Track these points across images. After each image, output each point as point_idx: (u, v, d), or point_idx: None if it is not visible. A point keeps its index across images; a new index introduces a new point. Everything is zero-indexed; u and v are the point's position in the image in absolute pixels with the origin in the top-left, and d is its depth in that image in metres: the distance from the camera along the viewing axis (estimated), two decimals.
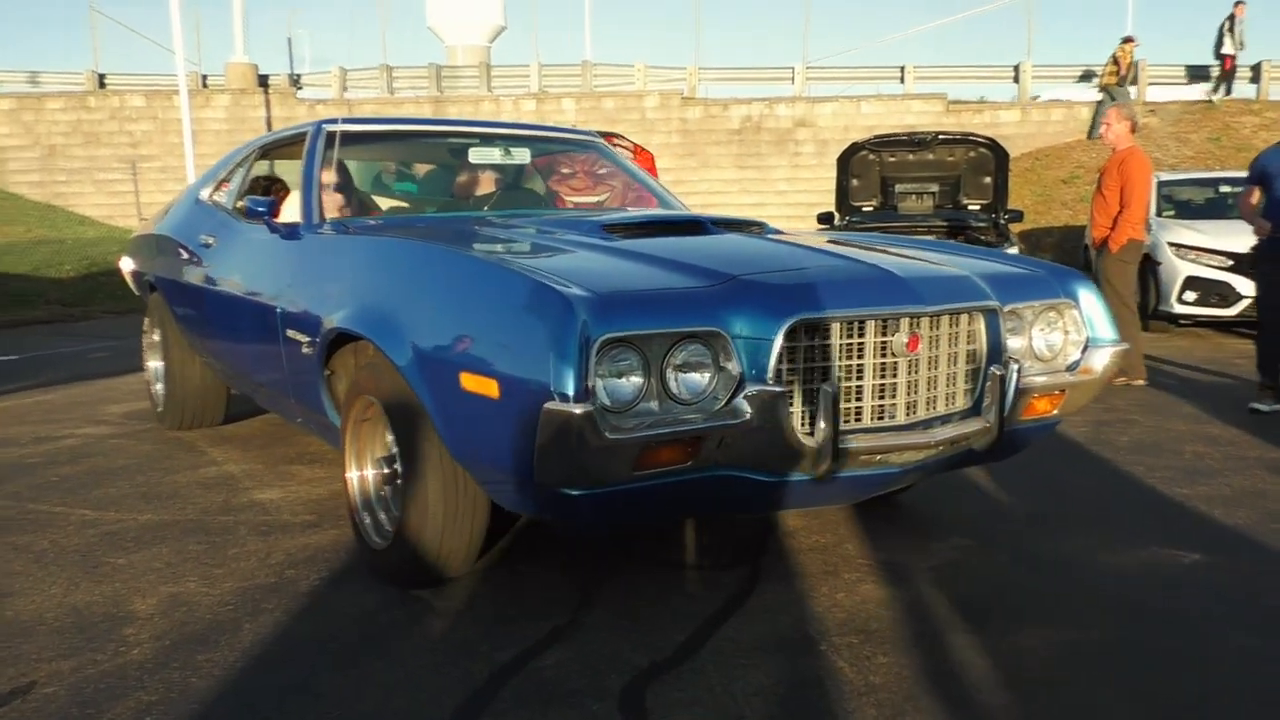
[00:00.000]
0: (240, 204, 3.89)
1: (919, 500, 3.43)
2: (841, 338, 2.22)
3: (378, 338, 2.50)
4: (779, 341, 2.11)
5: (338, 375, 2.95)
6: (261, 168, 4.38)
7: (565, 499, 2.08)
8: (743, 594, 2.60)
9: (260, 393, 3.76)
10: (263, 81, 19.67)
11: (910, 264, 2.52)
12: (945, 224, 9.70)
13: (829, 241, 2.95)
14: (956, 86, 19.72)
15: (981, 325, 2.46)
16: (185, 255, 4.32)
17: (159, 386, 4.80)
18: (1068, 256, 14.29)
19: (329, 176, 3.51)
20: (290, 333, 3.07)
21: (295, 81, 20.27)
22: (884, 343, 2.26)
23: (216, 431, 4.66)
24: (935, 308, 2.31)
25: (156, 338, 4.78)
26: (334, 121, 3.61)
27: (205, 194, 4.51)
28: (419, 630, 2.35)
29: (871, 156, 9.75)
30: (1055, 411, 2.68)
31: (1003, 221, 9.40)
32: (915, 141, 9.49)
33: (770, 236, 2.99)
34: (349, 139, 3.61)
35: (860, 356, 2.24)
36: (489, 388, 2.11)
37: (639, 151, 9.58)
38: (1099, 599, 2.58)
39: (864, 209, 10.21)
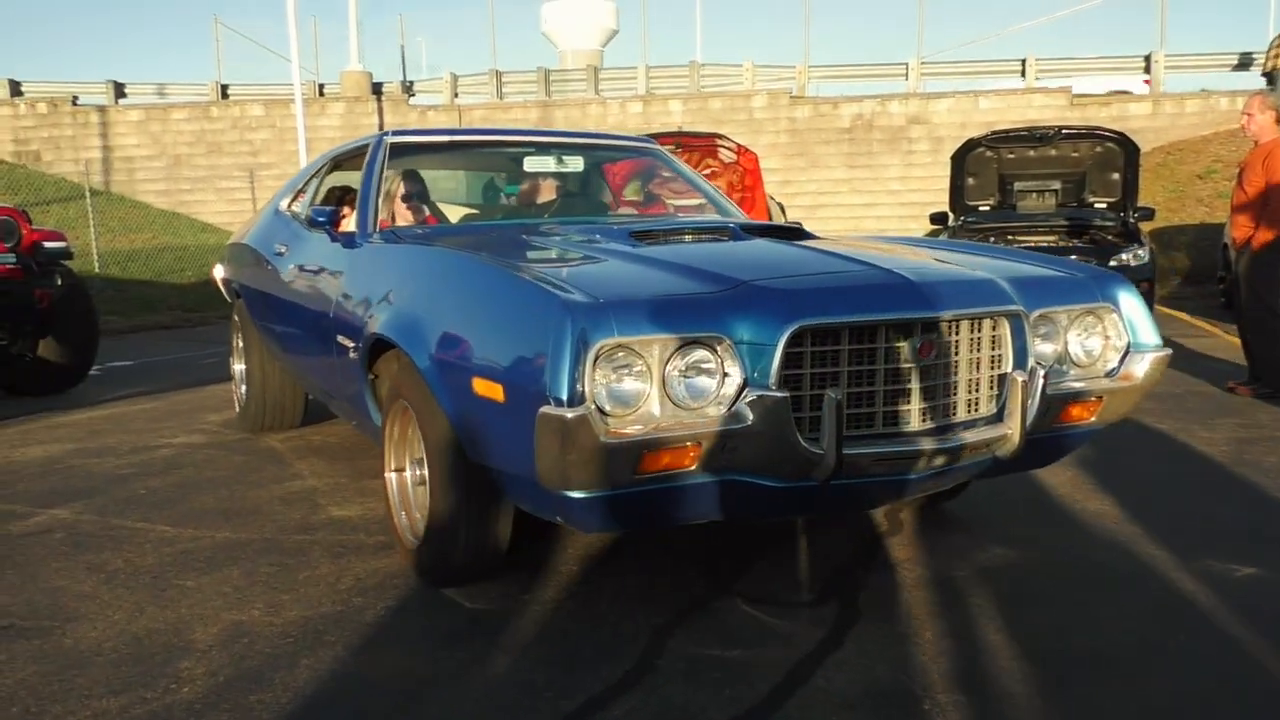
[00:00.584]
0: (307, 213, 4.01)
1: (1041, 532, 3.17)
2: (850, 343, 2.22)
3: (405, 343, 2.60)
4: (781, 347, 2.12)
5: (381, 379, 3.05)
6: (335, 178, 4.60)
7: (570, 501, 2.13)
8: (836, 635, 2.40)
9: (323, 396, 3.93)
10: (376, 89, 20.11)
11: (930, 268, 2.49)
12: (1068, 223, 9.23)
13: (852, 245, 2.93)
14: (1082, 80, 18.82)
15: (1006, 330, 2.43)
16: (262, 263, 4.50)
17: (242, 389, 5.03)
18: (1203, 256, 13.51)
19: (397, 186, 3.66)
20: (340, 338, 3.21)
21: (408, 88, 20.69)
22: (895, 349, 2.25)
23: (306, 441, 4.72)
24: (950, 313, 2.29)
25: (240, 343, 5.02)
26: (396, 133, 3.74)
27: (284, 204, 4.70)
28: (480, 671, 2.24)
29: (989, 153, 9.32)
30: (1093, 419, 2.62)
31: (1132, 220, 8.86)
32: (1037, 137, 9.05)
33: (800, 242, 2.94)
34: (411, 149, 3.76)
35: (871, 362, 2.25)
36: (496, 391, 2.20)
37: (743, 152, 9.37)
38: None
39: (980, 208, 9.77)
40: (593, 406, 1.98)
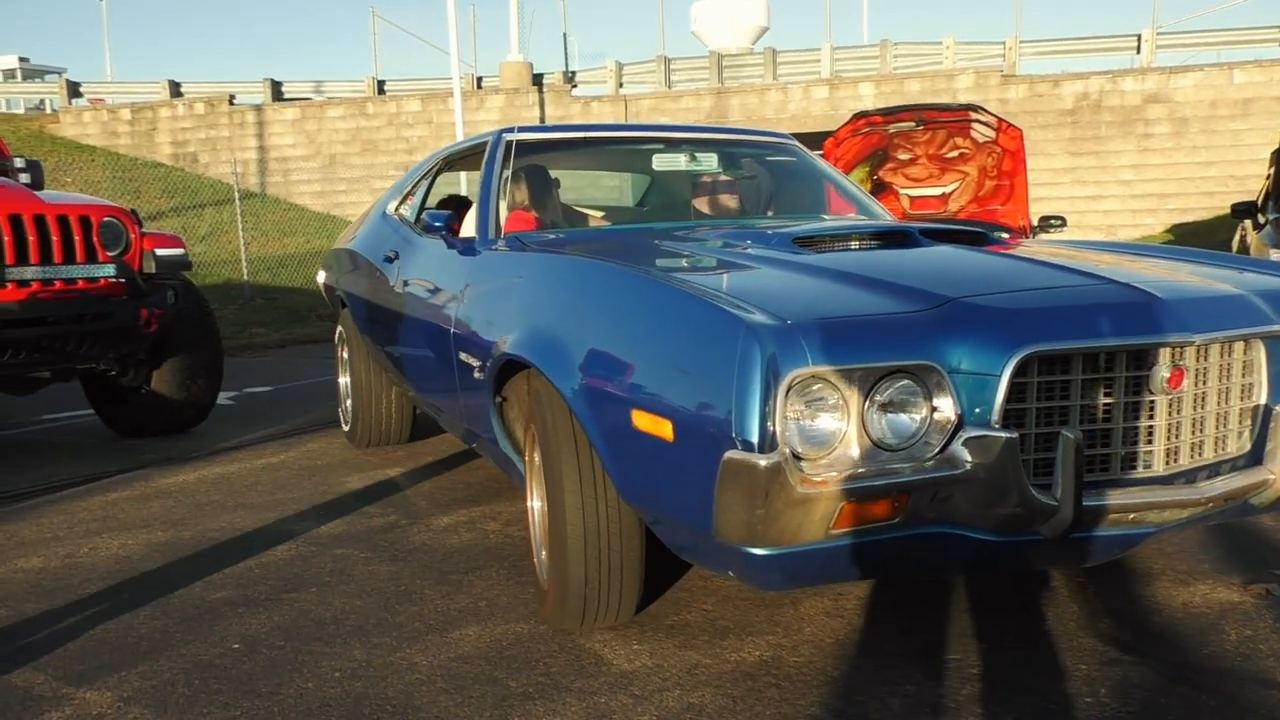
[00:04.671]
0: (421, 218, 3.97)
1: None
2: (1085, 372, 1.98)
3: (546, 366, 2.41)
4: (1007, 377, 1.89)
5: (510, 402, 2.91)
6: (448, 180, 4.62)
7: (750, 558, 1.89)
8: None
9: (438, 414, 3.85)
10: (537, 80, 19.23)
11: (1172, 281, 2.24)
12: None
13: (1068, 253, 2.68)
14: None
15: (1261, 354, 2.20)
16: (370, 271, 4.45)
17: (348, 403, 4.98)
18: None
19: (519, 189, 3.56)
20: (463, 356, 3.08)
21: (570, 79, 19.91)
22: (1139, 378, 2.01)
23: (482, 535, 3.33)
24: (1204, 336, 2.03)
25: (345, 354, 4.97)
26: (513, 130, 3.67)
27: (392, 208, 4.62)
28: None
29: None
30: None
31: None
32: None
33: (992, 248, 2.73)
34: (532, 148, 3.65)
35: (1109, 395, 2.01)
36: (662, 428, 1.99)
37: (1004, 129, 7.70)
38: None
39: None
40: (787, 452, 1.77)
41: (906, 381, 1.87)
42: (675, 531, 2.17)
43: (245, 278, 13.50)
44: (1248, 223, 9.03)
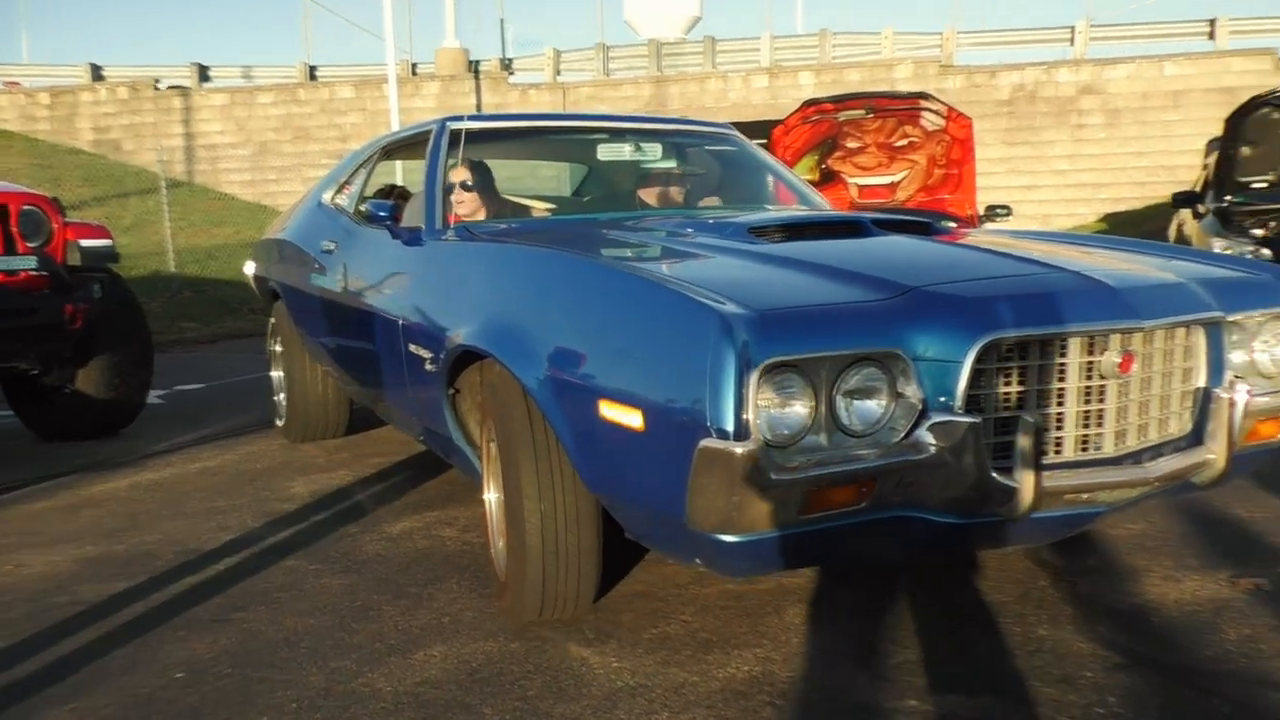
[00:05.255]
0: (362, 208, 3.92)
1: None
2: (1040, 358, 2.04)
3: (506, 356, 2.41)
4: (969, 364, 1.93)
5: (463, 394, 2.88)
6: (386, 169, 4.55)
7: (721, 545, 1.92)
8: None
9: (381, 407, 3.83)
10: (473, 67, 18.84)
11: (1120, 270, 2.32)
12: None
13: (1013, 242, 2.76)
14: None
15: (1201, 339, 2.29)
16: (306, 261, 4.37)
17: (281, 397, 4.93)
18: None
19: (461, 177, 3.51)
20: (413, 347, 3.04)
21: (507, 66, 19.60)
22: (1090, 363, 2.07)
23: (442, 548, 3.09)
24: (1152, 322, 2.12)
25: (279, 347, 4.88)
26: (458, 119, 3.64)
27: (327, 197, 4.57)
28: None
29: (1277, 115, 7.34)
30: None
31: None
32: None
33: (942, 237, 2.81)
34: (475, 137, 3.59)
35: (1062, 380, 2.07)
36: (632, 417, 1.99)
37: (954, 117, 7.65)
38: None
39: (1254, 185, 7.75)
40: (761, 439, 1.80)
41: (873, 369, 1.92)
42: (641, 519, 2.18)
43: (173, 269, 13.09)
44: (1186, 212, 9.13)
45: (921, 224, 2.95)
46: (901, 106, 8.26)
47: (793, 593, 2.71)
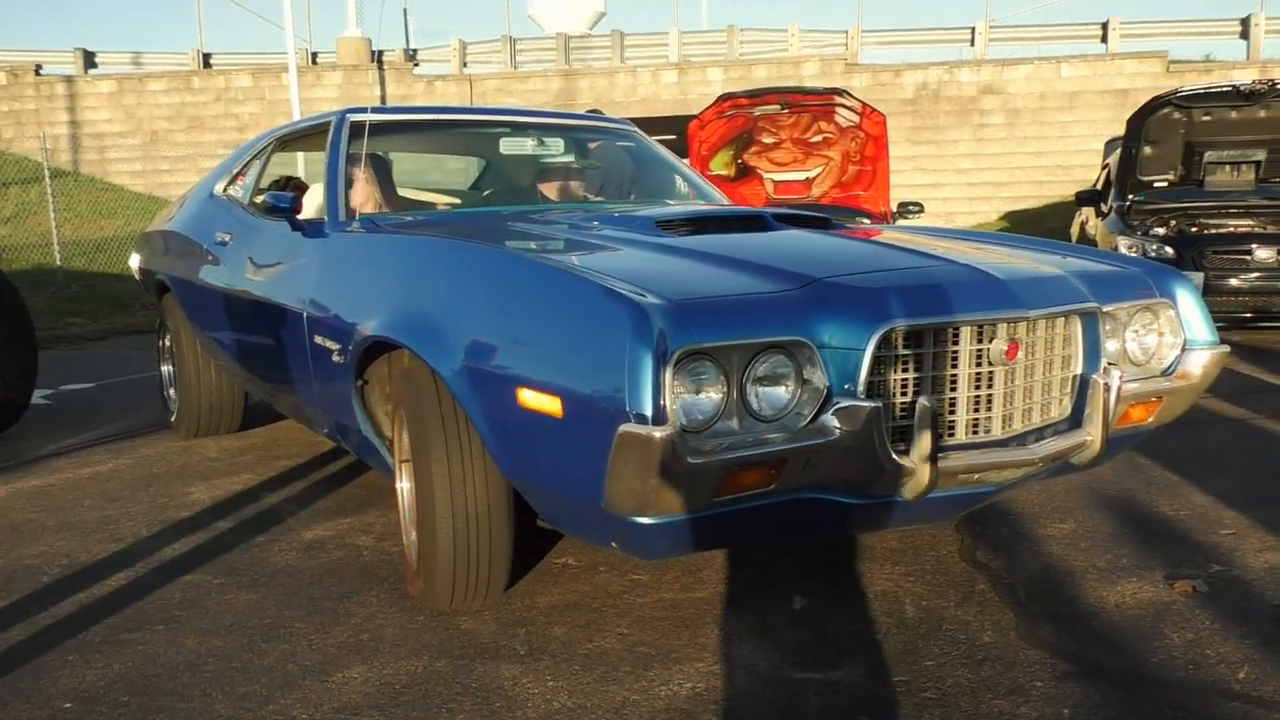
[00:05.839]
0: (259, 199, 3.92)
1: None
2: (934, 346, 2.17)
3: (421, 348, 2.43)
4: (870, 351, 2.04)
5: (371, 385, 2.88)
6: (280, 160, 4.52)
7: (637, 527, 2.00)
8: None
9: (283, 400, 3.78)
10: (377, 58, 18.42)
11: (1006, 263, 2.48)
12: (1273, 204, 7.39)
13: (907, 237, 2.92)
14: (1175, 44, 17.16)
15: (1079, 329, 2.43)
16: (199, 253, 4.33)
17: (172, 392, 4.88)
18: None
19: (358, 170, 3.51)
20: (318, 339, 3.02)
21: (411, 57, 19.21)
22: (980, 350, 2.21)
23: (358, 559, 2.92)
24: (1036, 312, 2.26)
25: (168, 342, 4.87)
26: (360, 110, 3.66)
27: (219, 188, 4.51)
28: None
29: (1177, 115, 7.54)
30: (1150, 420, 2.66)
31: None
32: (1245, 94, 7.25)
33: (840, 232, 2.96)
34: (375, 129, 3.60)
35: (954, 366, 2.20)
36: (551, 405, 2.05)
37: (867, 114, 7.66)
38: None
39: (1155, 184, 7.95)
40: (678, 425, 1.86)
41: (780, 356, 2.01)
42: (558, 504, 2.25)
43: (58, 263, 12.47)
44: (1089, 210, 9.32)
45: (820, 219, 3.08)
46: (816, 102, 8.27)
47: (730, 601, 2.63)
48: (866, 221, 7.72)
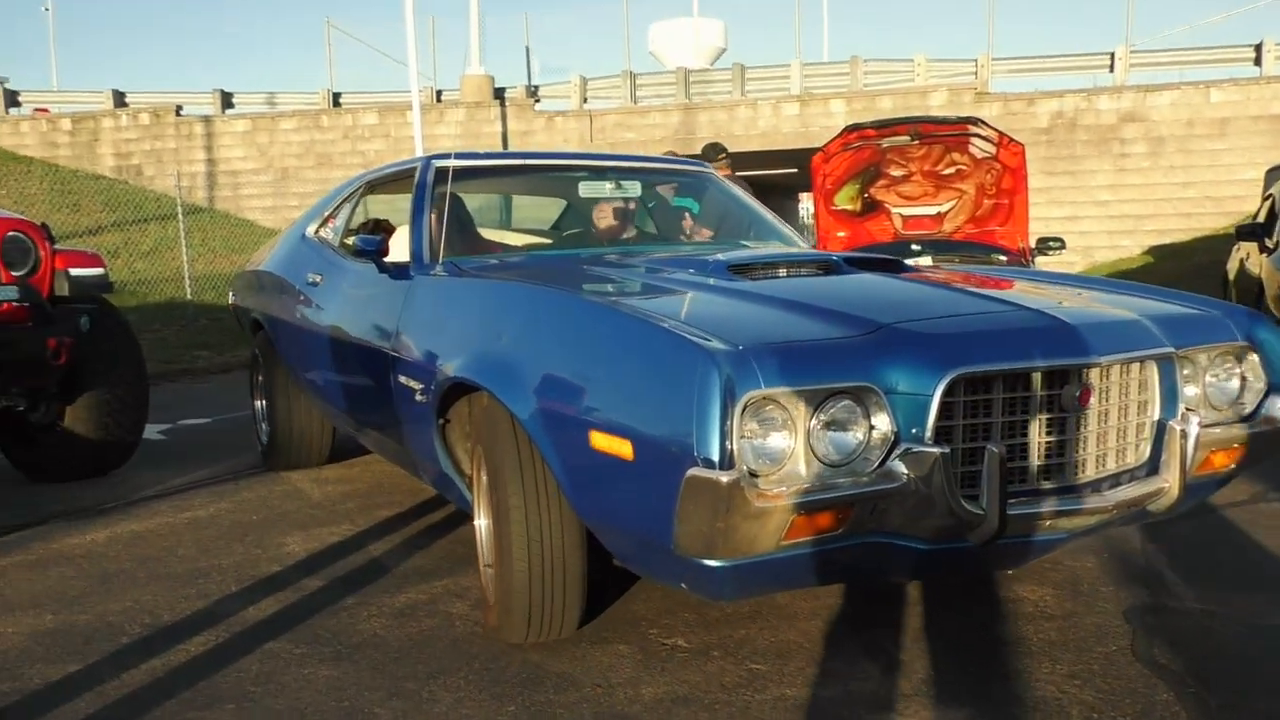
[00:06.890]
0: (349, 241, 4.07)
1: None
2: (1005, 392, 2.17)
3: (498, 389, 2.51)
4: (938, 397, 2.05)
5: (452, 424, 2.96)
6: (369, 203, 4.59)
7: (705, 569, 2.05)
8: None
9: (368, 436, 3.87)
10: (499, 94, 18.61)
11: (1077, 308, 2.47)
12: None
13: (977, 282, 2.92)
14: None
15: (1154, 374, 2.40)
16: (291, 293, 4.47)
17: (264, 426, 5.02)
18: None
19: (442, 214, 3.58)
20: (402, 379, 3.10)
21: (533, 93, 19.36)
22: (1052, 397, 2.21)
23: (450, 630, 2.76)
24: (1109, 358, 2.25)
25: (261, 377, 5.01)
26: (444, 157, 3.77)
27: (311, 230, 4.67)
28: None
29: None
30: (1232, 465, 2.60)
31: None
32: None
33: (909, 276, 2.96)
34: (459, 174, 3.69)
35: (1026, 412, 2.20)
36: (622, 448, 2.10)
37: (1005, 144, 7.20)
38: None
39: None
40: (744, 469, 1.91)
41: (848, 402, 2.03)
42: (629, 545, 2.31)
43: (189, 296, 12.85)
44: (1250, 245, 8.64)
45: (892, 262, 3.09)
46: (949, 132, 7.85)
47: (861, 702, 2.33)
48: (1003, 259, 7.25)
